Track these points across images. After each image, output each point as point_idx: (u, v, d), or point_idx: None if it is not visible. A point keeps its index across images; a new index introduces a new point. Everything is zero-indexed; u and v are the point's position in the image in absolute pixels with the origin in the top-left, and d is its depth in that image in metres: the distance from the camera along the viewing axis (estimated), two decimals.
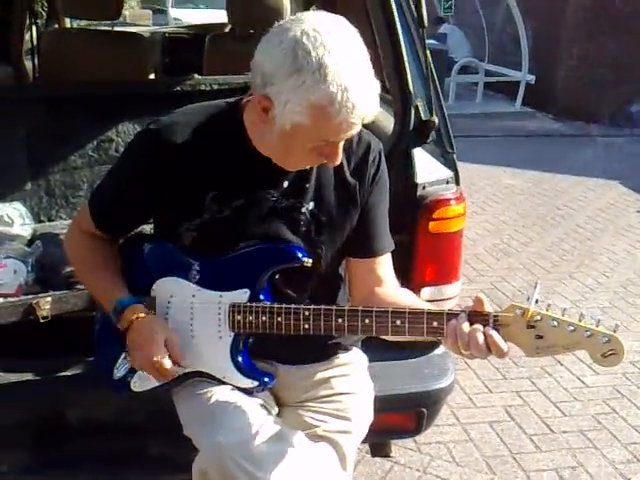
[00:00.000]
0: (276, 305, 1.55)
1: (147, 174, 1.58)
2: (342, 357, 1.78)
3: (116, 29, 3.47)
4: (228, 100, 1.63)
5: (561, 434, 3.04)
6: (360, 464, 2.77)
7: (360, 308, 1.52)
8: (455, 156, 2.19)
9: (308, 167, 1.58)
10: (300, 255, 1.57)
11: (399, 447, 2.86)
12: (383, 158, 1.68)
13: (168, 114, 1.63)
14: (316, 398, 1.72)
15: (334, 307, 1.54)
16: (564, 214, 6.16)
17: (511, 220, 5.93)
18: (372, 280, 1.71)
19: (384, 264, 1.73)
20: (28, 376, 1.97)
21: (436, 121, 2.12)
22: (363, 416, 1.75)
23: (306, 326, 1.53)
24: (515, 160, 7.73)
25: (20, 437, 1.91)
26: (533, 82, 10.57)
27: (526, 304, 1.41)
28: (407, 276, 2.03)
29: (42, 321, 1.95)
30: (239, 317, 1.56)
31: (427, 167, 2.13)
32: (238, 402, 1.58)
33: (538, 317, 1.40)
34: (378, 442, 2.37)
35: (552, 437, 3.02)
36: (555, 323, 1.39)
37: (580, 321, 1.39)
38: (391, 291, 1.70)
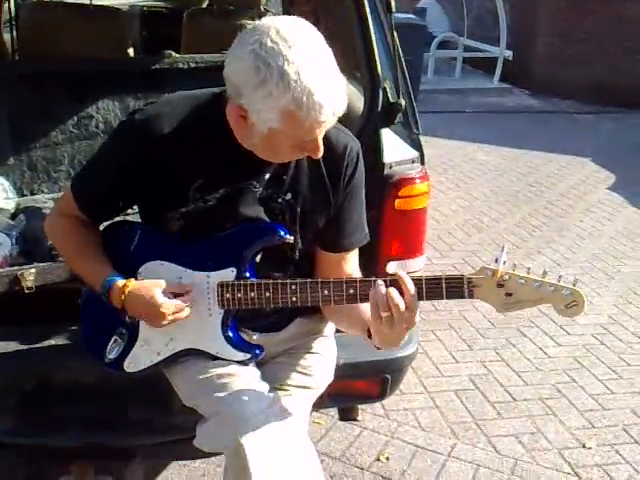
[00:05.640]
0: (263, 281, 1.62)
1: (131, 164, 1.62)
2: (309, 320, 1.87)
3: (94, 2, 3.46)
4: (214, 90, 1.65)
5: (522, 402, 3.18)
6: (331, 430, 2.90)
7: (344, 279, 1.62)
8: (420, 137, 2.29)
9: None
10: (282, 232, 1.64)
11: (368, 413, 3.00)
12: (361, 158, 1.73)
13: (153, 103, 1.67)
14: (282, 353, 1.84)
15: (319, 279, 1.63)
16: (536, 191, 6.28)
17: (484, 196, 6.05)
18: (335, 273, 1.76)
19: (350, 259, 1.80)
20: (14, 344, 2.04)
21: (403, 103, 2.21)
22: (324, 375, 1.86)
23: (294, 299, 1.60)
24: (490, 136, 7.83)
25: (6, 401, 1.99)
26: (511, 58, 10.64)
27: (495, 265, 1.52)
28: (374, 250, 2.13)
29: (27, 292, 2.03)
30: (228, 295, 1.64)
31: (394, 147, 2.22)
32: (239, 373, 1.68)
33: (507, 276, 1.52)
34: (346, 407, 2.49)
35: (514, 405, 3.16)
36: (522, 281, 1.51)
37: (544, 278, 1.51)
38: None
